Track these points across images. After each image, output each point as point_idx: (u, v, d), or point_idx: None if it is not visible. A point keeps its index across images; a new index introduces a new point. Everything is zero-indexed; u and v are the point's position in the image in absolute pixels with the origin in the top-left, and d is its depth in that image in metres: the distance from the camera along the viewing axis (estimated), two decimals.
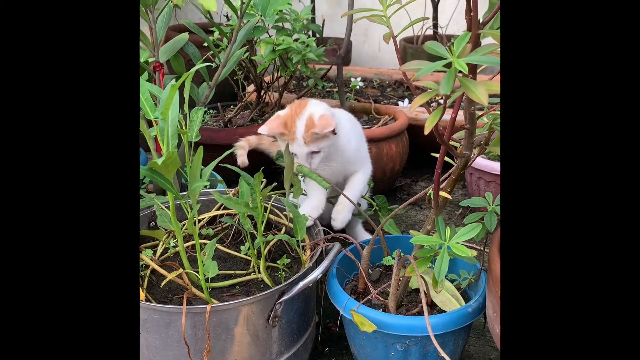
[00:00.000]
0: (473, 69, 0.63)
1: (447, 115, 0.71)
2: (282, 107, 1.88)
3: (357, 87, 2.16)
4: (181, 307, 0.85)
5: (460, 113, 0.74)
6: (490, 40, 0.61)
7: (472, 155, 0.83)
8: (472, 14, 0.60)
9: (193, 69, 0.88)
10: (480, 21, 0.64)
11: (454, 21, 2.74)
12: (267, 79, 1.91)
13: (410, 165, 1.89)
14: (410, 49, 2.67)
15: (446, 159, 0.85)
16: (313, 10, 2.84)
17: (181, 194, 0.96)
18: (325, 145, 1.14)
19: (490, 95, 0.54)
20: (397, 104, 2.03)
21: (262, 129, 1.18)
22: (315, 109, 1.16)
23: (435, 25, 2.71)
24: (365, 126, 1.77)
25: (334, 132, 1.13)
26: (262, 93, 1.87)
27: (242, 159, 1.44)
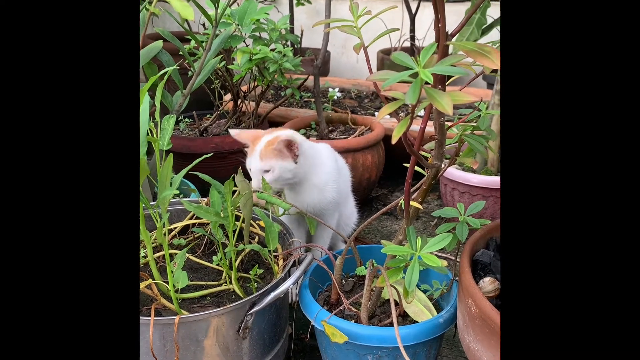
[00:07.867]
0: (441, 79, 0.63)
1: (418, 126, 0.71)
2: (259, 116, 1.89)
3: (335, 97, 2.17)
4: (149, 318, 0.83)
5: (430, 124, 0.75)
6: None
7: (443, 165, 0.83)
8: (440, 25, 0.60)
9: (164, 72, 0.87)
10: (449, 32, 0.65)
11: (431, 33, 2.78)
12: (244, 88, 1.91)
13: (386, 176, 1.90)
14: (387, 61, 2.70)
15: (419, 169, 0.86)
16: (291, 21, 2.85)
17: (152, 203, 0.95)
18: (277, 166, 1.14)
19: (460, 107, 0.55)
20: (374, 115, 2.04)
21: (233, 132, 1.23)
22: (287, 132, 1.17)
23: (412, 38, 2.74)
24: (342, 136, 1.77)
25: (293, 155, 1.15)
26: (238, 102, 1.87)
27: None
